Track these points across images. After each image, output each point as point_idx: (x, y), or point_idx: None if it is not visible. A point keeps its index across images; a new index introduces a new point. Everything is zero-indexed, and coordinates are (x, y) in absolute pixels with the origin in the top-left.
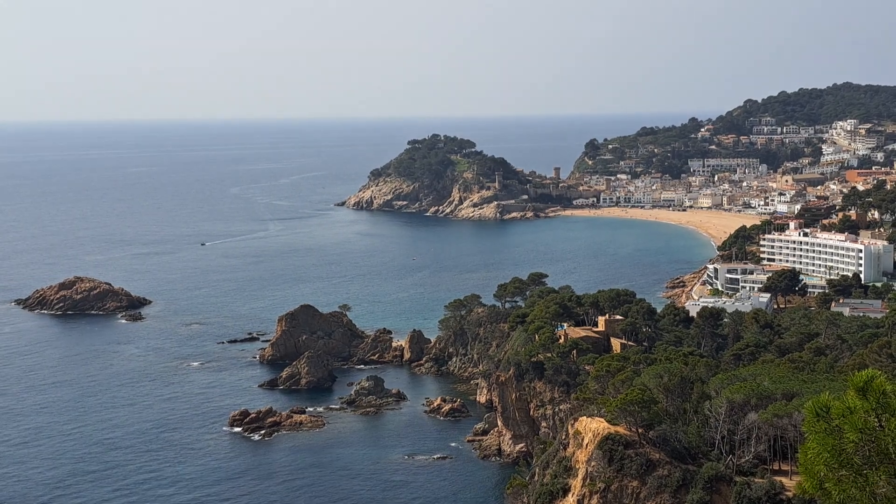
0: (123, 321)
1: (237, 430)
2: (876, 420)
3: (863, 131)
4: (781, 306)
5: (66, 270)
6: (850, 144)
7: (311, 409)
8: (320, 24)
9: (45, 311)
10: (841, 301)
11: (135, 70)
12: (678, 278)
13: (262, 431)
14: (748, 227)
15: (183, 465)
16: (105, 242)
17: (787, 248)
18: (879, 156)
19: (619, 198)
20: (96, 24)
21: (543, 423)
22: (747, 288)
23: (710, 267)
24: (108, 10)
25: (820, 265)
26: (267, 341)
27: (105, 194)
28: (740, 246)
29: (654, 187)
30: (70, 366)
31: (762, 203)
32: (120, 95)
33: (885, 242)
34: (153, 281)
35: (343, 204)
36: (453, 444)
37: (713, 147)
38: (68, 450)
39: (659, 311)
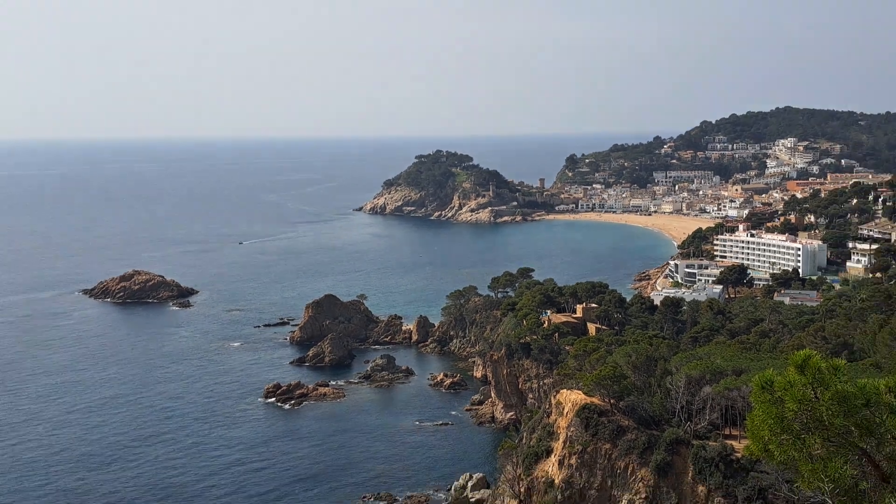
0: (174, 308)
1: (271, 400)
2: (812, 392)
3: (801, 148)
4: (732, 296)
5: (126, 265)
6: (790, 159)
7: (333, 383)
8: (347, 59)
9: (108, 300)
10: (782, 291)
11: (192, 91)
12: (644, 272)
13: (292, 401)
14: (704, 229)
15: (226, 429)
16: (159, 241)
17: (737, 246)
18: (815, 169)
19: (594, 204)
20: (163, 58)
21: (530, 395)
22: (703, 280)
23: (672, 263)
24: (178, 39)
25: (764, 261)
26: (296, 325)
27: (159, 201)
28: (697, 245)
29: (624, 195)
30: (129, 346)
31: (715, 209)
32: (178, 114)
33: (820, 242)
34: (199, 274)
35: (360, 209)
36: (454, 413)
37: (674, 161)
38: (130, 417)
39: (628, 300)
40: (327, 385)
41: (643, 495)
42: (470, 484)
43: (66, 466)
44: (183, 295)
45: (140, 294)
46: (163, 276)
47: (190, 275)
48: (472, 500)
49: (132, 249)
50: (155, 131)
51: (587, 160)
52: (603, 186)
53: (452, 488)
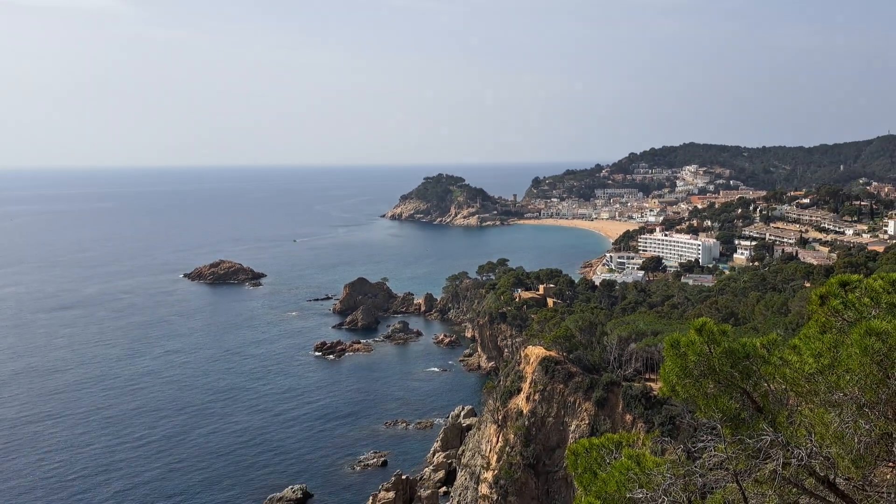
0: (249, 287)
1: (318, 353)
2: (707, 348)
3: (701, 172)
4: (651, 279)
5: (214, 255)
6: (693, 180)
7: (364, 341)
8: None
9: (201, 281)
10: (687, 275)
11: (258, 123)
12: (588, 262)
13: (334, 354)
14: (631, 230)
15: (285, 373)
16: (238, 239)
17: (655, 243)
18: (711, 187)
19: (552, 213)
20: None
21: (505, 350)
22: (630, 268)
23: (608, 255)
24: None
25: (674, 254)
26: (337, 299)
27: (237, 211)
28: (626, 242)
29: (573, 206)
30: (217, 315)
31: (640, 216)
32: (252, 146)
33: (714, 240)
34: (267, 262)
35: (383, 216)
36: (450, 362)
37: (610, 182)
38: (215, 362)
39: (576, 281)
40: (360, 342)
41: (587, 421)
42: (462, 413)
43: (191, 392)
44: (255, 277)
45: (224, 277)
46: (241, 264)
47: (260, 263)
48: (464, 424)
49: (219, 244)
50: (237, 160)
51: (547, 181)
52: (559, 200)
53: (450, 416)
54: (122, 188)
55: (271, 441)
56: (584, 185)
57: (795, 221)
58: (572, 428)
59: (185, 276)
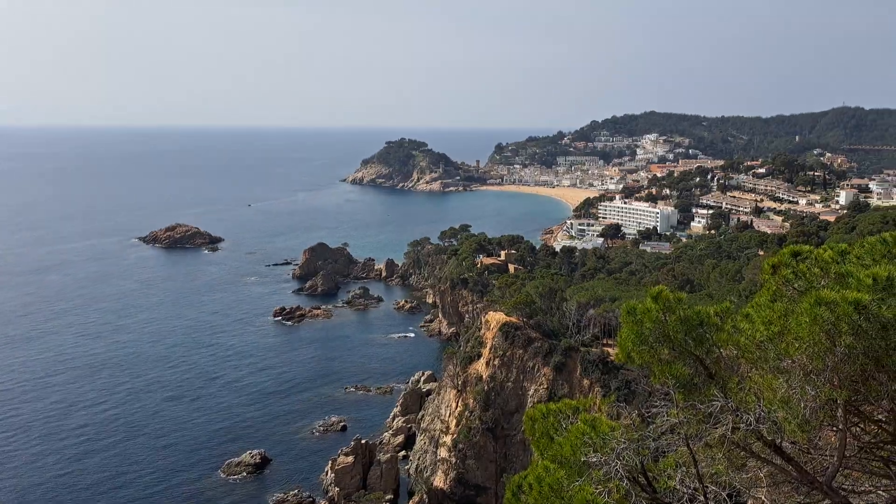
0: (206, 252)
1: (277, 318)
2: (662, 316)
3: (661, 141)
4: (610, 245)
5: (170, 219)
6: (653, 149)
7: (324, 307)
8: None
9: (157, 245)
10: (645, 243)
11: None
12: (549, 228)
13: (293, 320)
14: (591, 198)
15: (243, 339)
16: (196, 202)
17: (614, 210)
18: (671, 156)
19: (515, 179)
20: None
21: (466, 315)
22: (590, 234)
23: (568, 222)
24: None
25: (633, 221)
26: (296, 264)
27: (202, 173)
28: (586, 209)
29: (535, 173)
30: (172, 279)
31: (600, 184)
32: (221, 106)
33: (673, 208)
34: (225, 227)
35: (344, 180)
36: (411, 328)
37: (571, 149)
38: (172, 329)
39: (537, 248)
40: (319, 308)
41: (545, 386)
42: (422, 378)
43: (147, 359)
44: (213, 242)
45: (181, 241)
46: (198, 228)
47: (218, 227)
48: (424, 390)
49: (176, 207)
50: (195, 120)
51: (510, 147)
52: (521, 166)
53: (409, 382)
54: (88, 148)
55: (229, 407)
56: (546, 152)
57: (751, 191)
58: (531, 392)
59: (140, 239)
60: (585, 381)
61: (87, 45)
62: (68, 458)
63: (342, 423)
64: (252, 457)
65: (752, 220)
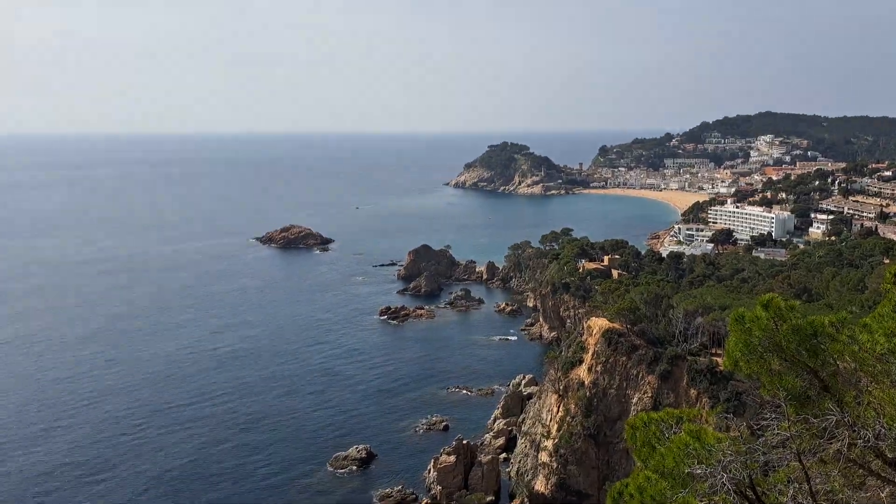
0: (318, 252)
1: (383, 317)
2: (773, 324)
3: (777, 142)
4: (720, 252)
5: (285, 220)
6: (768, 150)
7: (427, 307)
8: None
9: (272, 245)
10: (759, 249)
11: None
12: (655, 233)
13: (398, 319)
14: (701, 202)
15: (352, 336)
16: (308, 205)
17: (726, 215)
18: (787, 158)
19: (620, 182)
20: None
21: (567, 320)
22: (699, 240)
23: (676, 226)
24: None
25: (746, 226)
26: (401, 265)
27: (312, 178)
28: (695, 214)
29: (641, 176)
30: (288, 279)
31: (710, 187)
32: (321, 113)
33: (789, 213)
34: (334, 228)
35: (447, 184)
36: (512, 331)
37: (680, 151)
38: (288, 326)
39: (642, 253)
40: (423, 308)
41: (649, 394)
42: (523, 382)
43: (262, 353)
44: (324, 243)
45: (295, 241)
46: (310, 229)
47: (328, 228)
48: (525, 393)
49: (290, 209)
50: (312, 126)
51: (615, 149)
52: (626, 169)
53: (510, 384)
54: (200, 153)
55: (337, 402)
56: (652, 154)
57: (876, 195)
58: (634, 400)
59: (257, 239)
60: (692, 391)
61: (201, 54)
62: (195, 446)
63: (444, 423)
64: (358, 451)
65: (876, 226)
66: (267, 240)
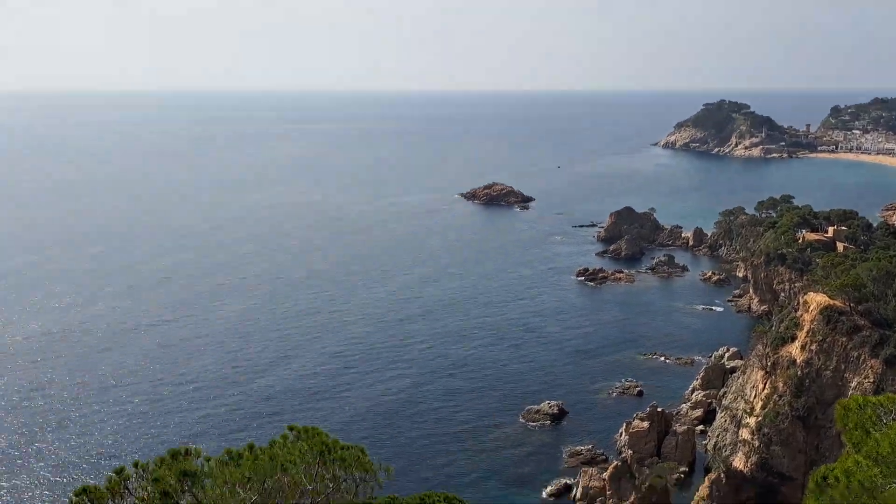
0: (518, 210)
1: (581, 279)
2: None
3: None
4: None
5: (489, 178)
6: None
7: (626, 271)
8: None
9: (476, 201)
10: None
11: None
12: (891, 204)
13: (595, 281)
14: None
15: (551, 294)
16: (512, 165)
17: None
18: None
19: (853, 146)
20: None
21: (781, 294)
22: None
23: None
24: None
25: None
26: (602, 227)
27: (510, 134)
28: None
29: (880, 140)
30: (488, 234)
31: None
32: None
33: None
34: (536, 187)
35: (656, 144)
36: (717, 301)
37: None
38: (484, 283)
39: (875, 225)
40: (622, 272)
41: (871, 379)
42: (726, 355)
43: (464, 305)
44: (524, 201)
45: (497, 199)
46: (512, 187)
47: (529, 187)
48: (728, 366)
49: (495, 168)
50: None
51: (849, 110)
52: (861, 132)
53: (713, 356)
54: (395, 111)
55: (532, 357)
56: (894, 116)
57: None
58: (853, 385)
59: (462, 195)
60: None
61: (425, 17)
62: (403, 386)
63: (638, 389)
64: (550, 407)
65: None
66: (471, 196)
